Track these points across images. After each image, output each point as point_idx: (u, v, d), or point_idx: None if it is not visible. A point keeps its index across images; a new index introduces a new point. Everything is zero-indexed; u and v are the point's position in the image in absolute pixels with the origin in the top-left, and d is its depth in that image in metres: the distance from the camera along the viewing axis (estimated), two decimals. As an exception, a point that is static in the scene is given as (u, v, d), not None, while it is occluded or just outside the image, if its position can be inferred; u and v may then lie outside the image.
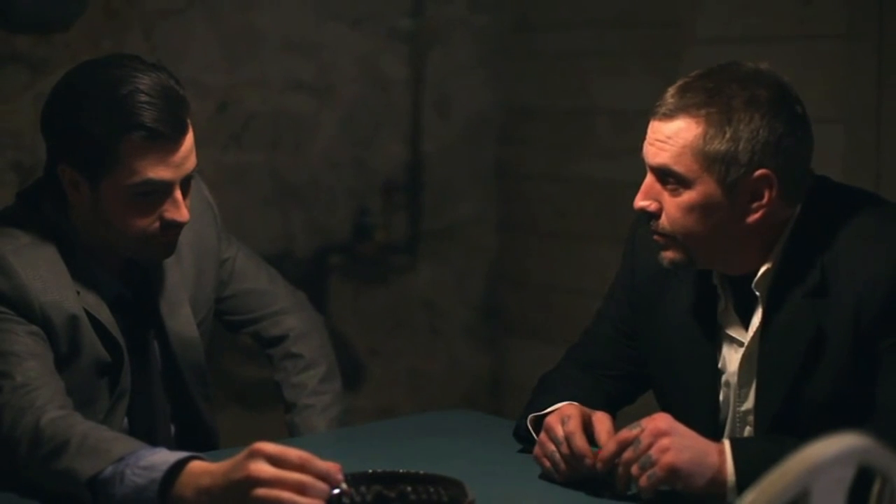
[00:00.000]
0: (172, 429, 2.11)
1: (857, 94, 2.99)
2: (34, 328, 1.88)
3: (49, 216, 1.97)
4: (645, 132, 1.83)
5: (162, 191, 1.92)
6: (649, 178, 1.83)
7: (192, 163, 1.96)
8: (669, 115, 1.78)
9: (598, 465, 1.76)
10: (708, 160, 1.76)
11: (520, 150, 4.01)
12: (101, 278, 1.99)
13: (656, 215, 1.83)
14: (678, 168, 1.78)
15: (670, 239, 1.83)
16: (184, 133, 1.93)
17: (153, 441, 1.73)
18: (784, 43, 3.12)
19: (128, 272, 2.04)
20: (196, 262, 2.14)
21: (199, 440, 2.12)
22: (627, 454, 1.71)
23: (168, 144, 1.90)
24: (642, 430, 1.71)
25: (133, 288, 2.05)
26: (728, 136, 1.75)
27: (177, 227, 1.95)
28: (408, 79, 3.92)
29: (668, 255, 1.85)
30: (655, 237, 1.85)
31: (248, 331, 2.32)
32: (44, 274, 1.91)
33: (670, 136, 1.78)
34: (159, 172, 1.90)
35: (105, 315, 1.96)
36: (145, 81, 1.90)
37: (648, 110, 1.83)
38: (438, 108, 3.97)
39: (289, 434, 2.25)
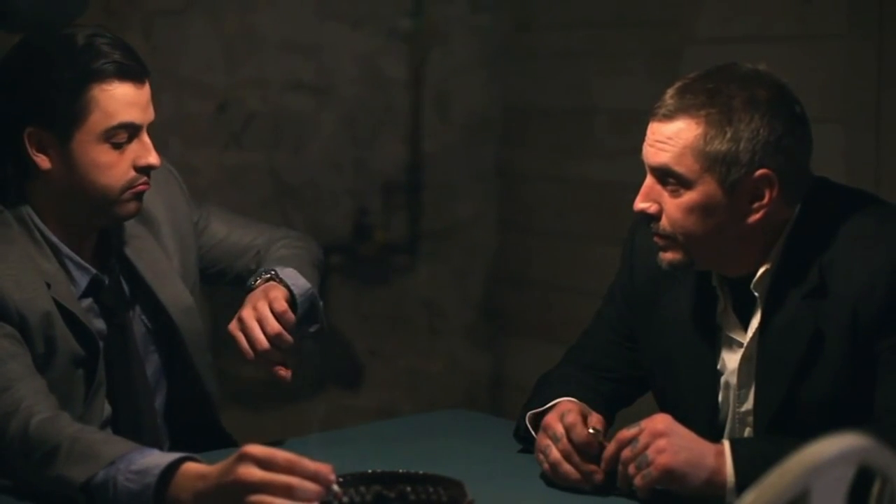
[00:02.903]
0: (166, 390, 2.10)
1: (857, 94, 2.99)
2: (9, 329, 1.86)
3: (14, 207, 1.96)
4: (645, 132, 1.83)
5: (133, 135, 1.95)
6: (649, 180, 1.83)
7: (153, 111, 1.99)
8: (669, 116, 1.78)
9: (601, 464, 1.77)
10: (709, 160, 1.76)
11: (520, 150, 4.01)
12: (72, 266, 1.97)
13: (656, 217, 1.83)
14: (679, 169, 1.77)
15: (670, 240, 1.83)
16: (147, 74, 1.98)
17: (139, 424, 1.71)
18: (784, 43, 3.12)
19: (102, 254, 2.03)
20: (175, 233, 2.14)
21: (198, 414, 2.12)
22: (625, 453, 1.72)
23: (137, 82, 1.94)
24: (641, 430, 1.71)
25: (109, 269, 2.03)
26: (729, 136, 1.75)
27: (148, 172, 1.97)
28: (408, 79, 3.92)
29: (667, 256, 1.85)
30: (655, 238, 1.85)
31: (231, 276, 2.26)
32: (15, 271, 1.89)
33: (671, 137, 1.77)
34: (132, 114, 1.93)
35: (76, 306, 1.94)
36: (99, 32, 1.95)
37: (649, 110, 1.83)
38: (438, 108, 3.97)
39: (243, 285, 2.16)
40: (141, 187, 1.97)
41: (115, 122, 1.92)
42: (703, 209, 1.78)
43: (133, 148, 1.95)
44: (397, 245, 3.97)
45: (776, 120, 1.76)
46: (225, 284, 2.31)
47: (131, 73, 1.93)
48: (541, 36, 3.90)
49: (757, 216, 1.79)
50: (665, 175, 1.80)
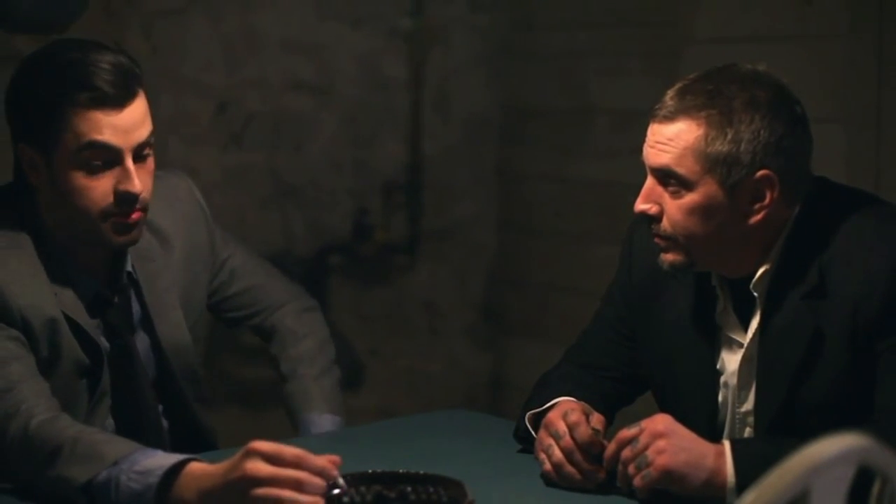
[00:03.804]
0: (166, 427, 2.10)
1: (857, 94, 2.99)
2: (14, 332, 1.86)
3: (25, 215, 1.95)
4: (645, 132, 1.83)
5: (111, 158, 1.90)
6: (650, 181, 1.83)
7: (143, 132, 1.93)
8: (670, 118, 1.78)
9: (603, 464, 1.77)
10: (710, 162, 1.76)
11: (520, 150, 4.01)
12: (79, 278, 1.97)
13: (657, 218, 1.83)
14: (680, 170, 1.77)
15: (671, 241, 1.83)
16: (131, 97, 1.91)
17: (142, 441, 1.72)
18: (784, 43, 3.12)
19: (112, 273, 2.03)
20: (187, 266, 2.13)
21: (195, 440, 2.11)
22: (625, 452, 1.72)
23: (114, 106, 1.89)
24: (641, 430, 1.71)
25: (117, 289, 2.02)
26: (729, 137, 1.75)
27: (130, 201, 1.91)
28: (408, 79, 3.92)
29: (668, 257, 1.84)
30: (656, 240, 1.85)
31: (249, 325, 2.34)
32: (21, 277, 1.89)
33: (671, 139, 1.77)
34: (105, 135, 1.88)
35: (82, 316, 1.94)
36: (95, 52, 1.91)
37: (648, 110, 1.83)
38: (438, 108, 3.97)
39: (285, 406, 2.27)
40: (120, 219, 1.92)
41: (84, 140, 1.88)
42: (704, 210, 1.78)
43: (114, 173, 1.91)
44: (397, 245, 3.97)
45: (776, 121, 1.76)
46: (245, 328, 2.36)
47: (107, 100, 1.88)
48: (541, 36, 3.90)
49: (758, 217, 1.79)
50: (666, 176, 1.80)
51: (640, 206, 1.83)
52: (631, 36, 3.60)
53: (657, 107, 1.80)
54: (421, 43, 3.93)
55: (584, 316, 2.19)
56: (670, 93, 1.80)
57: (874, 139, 2.97)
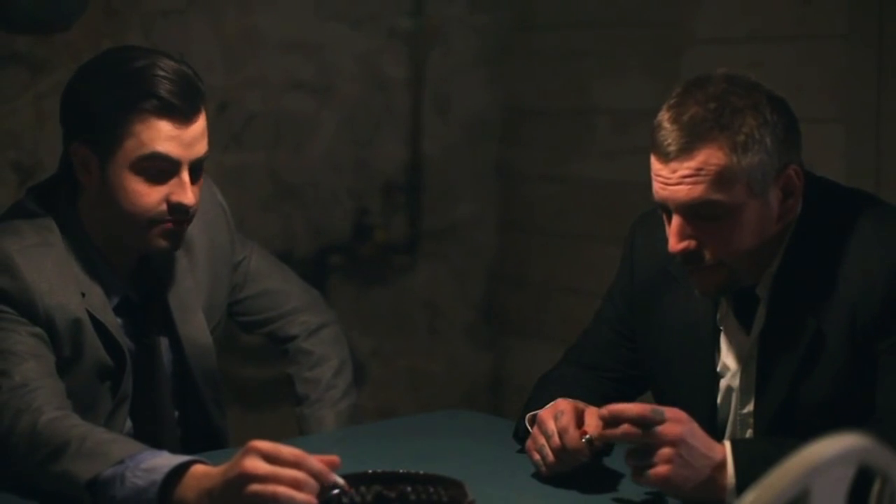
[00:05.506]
0: (180, 433, 2.11)
1: (857, 94, 2.99)
2: (37, 329, 1.87)
3: (60, 214, 1.96)
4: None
5: (169, 169, 1.92)
6: (677, 219, 1.77)
7: (202, 147, 1.95)
8: (689, 150, 1.73)
9: (604, 412, 1.72)
10: (745, 176, 1.73)
11: (520, 150, 4.01)
12: (109, 280, 1.98)
13: (697, 253, 1.78)
14: (718, 196, 1.73)
15: (716, 266, 1.79)
16: (196, 112, 1.93)
17: (158, 445, 1.73)
18: (784, 43, 3.12)
19: (139, 275, 2.04)
20: (211, 268, 2.14)
21: (209, 445, 2.11)
22: (628, 429, 1.68)
23: (179, 119, 1.90)
24: (663, 421, 1.67)
25: (143, 291, 2.04)
26: (755, 146, 1.73)
27: (183, 211, 1.94)
28: (408, 79, 3.92)
29: (712, 282, 1.81)
30: (695, 273, 1.81)
31: (263, 331, 2.33)
32: (49, 275, 1.90)
33: (699, 169, 1.73)
34: (167, 147, 1.90)
35: (109, 318, 1.95)
36: (163, 60, 1.92)
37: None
38: (438, 108, 3.97)
39: (298, 425, 2.27)
40: (169, 226, 1.94)
41: (147, 151, 1.89)
42: (749, 225, 1.76)
43: (171, 183, 1.92)
44: (397, 245, 3.97)
45: (777, 115, 1.76)
46: (258, 333, 2.35)
47: (173, 111, 1.90)
48: (541, 36, 3.90)
49: (791, 212, 1.79)
50: (699, 208, 1.75)
51: (679, 246, 1.78)
52: (631, 36, 3.60)
53: (665, 144, 1.74)
54: (421, 43, 3.93)
55: (584, 316, 2.19)
56: (670, 126, 1.74)
57: (874, 139, 2.97)
